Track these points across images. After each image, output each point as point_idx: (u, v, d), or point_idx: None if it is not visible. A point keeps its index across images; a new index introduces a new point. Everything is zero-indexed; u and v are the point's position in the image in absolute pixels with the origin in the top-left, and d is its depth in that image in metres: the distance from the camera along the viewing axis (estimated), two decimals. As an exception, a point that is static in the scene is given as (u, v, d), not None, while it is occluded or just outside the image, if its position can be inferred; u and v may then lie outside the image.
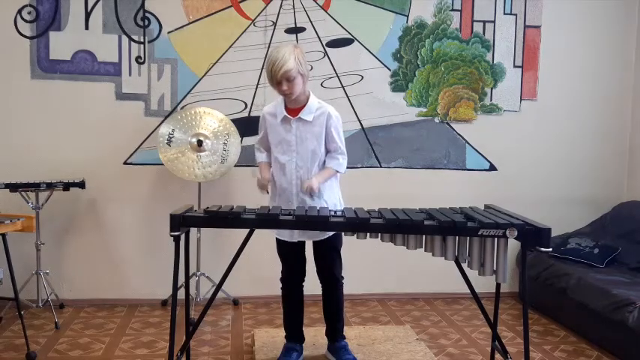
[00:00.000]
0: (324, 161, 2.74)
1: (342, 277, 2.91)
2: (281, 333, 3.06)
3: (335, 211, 2.44)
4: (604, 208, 4.32)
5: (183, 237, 2.43)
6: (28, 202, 3.57)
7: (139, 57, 3.87)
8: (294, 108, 2.70)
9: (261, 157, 2.87)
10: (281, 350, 2.92)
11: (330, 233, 2.72)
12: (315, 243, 2.79)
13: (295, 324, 2.94)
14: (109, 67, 3.85)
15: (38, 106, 3.79)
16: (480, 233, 2.30)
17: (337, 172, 2.75)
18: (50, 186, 3.52)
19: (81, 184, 3.62)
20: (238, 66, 3.95)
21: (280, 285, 2.94)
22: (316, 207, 2.59)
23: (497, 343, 2.76)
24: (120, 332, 3.44)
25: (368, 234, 2.39)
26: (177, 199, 3.69)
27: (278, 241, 2.83)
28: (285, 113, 2.69)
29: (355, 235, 2.42)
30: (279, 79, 2.56)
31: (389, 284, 4.20)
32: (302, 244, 2.80)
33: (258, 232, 2.42)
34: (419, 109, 4.16)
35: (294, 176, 2.71)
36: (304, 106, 2.69)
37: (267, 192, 2.81)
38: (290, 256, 2.85)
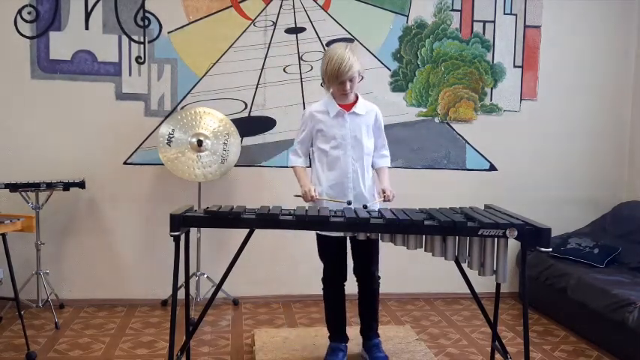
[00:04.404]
0: (373, 158, 2.85)
1: (379, 276, 2.92)
2: (281, 333, 3.06)
3: (335, 211, 2.44)
4: (604, 208, 4.32)
5: (183, 237, 2.43)
6: (28, 202, 3.57)
7: (139, 57, 3.87)
8: (345, 104, 2.77)
9: (297, 161, 2.83)
10: (326, 351, 2.89)
11: None
12: (358, 239, 2.73)
13: (339, 324, 2.91)
14: (109, 67, 3.85)
15: (38, 106, 3.79)
16: (480, 233, 2.30)
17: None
18: (50, 186, 3.52)
19: (81, 184, 3.62)
20: (238, 66, 3.95)
21: (322, 285, 2.90)
22: (372, 204, 2.68)
23: (497, 343, 2.76)
24: (120, 332, 3.44)
25: (368, 234, 2.39)
26: (177, 199, 3.70)
27: (323, 239, 2.78)
28: (340, 108, 2.75)
29: (355, 236, 2.42)
30: (344, 79, 2.63)
31: (389, 284, 4.16)
32: (344, 241, 2.79)
33: (259, 232, 2.42)
34: (419, 109, 4.16)
35: (349, 169, 2.74)
36: (355, 102, 2.78)
37: (314, 200, 2.72)
38: (335, 253, 2.81)
